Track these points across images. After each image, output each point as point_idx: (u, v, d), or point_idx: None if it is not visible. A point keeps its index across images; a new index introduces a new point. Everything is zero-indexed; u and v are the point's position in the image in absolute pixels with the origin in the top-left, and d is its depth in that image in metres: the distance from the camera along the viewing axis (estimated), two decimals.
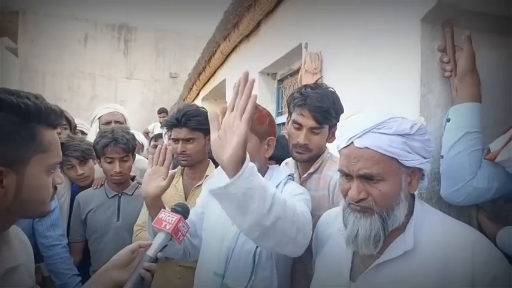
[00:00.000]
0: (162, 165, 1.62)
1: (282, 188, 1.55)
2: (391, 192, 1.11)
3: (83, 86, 10.74)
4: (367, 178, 1.11)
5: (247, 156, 1.11)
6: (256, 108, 1.58)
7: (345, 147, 1.16)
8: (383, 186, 1.10)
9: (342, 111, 1.61)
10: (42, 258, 2.31)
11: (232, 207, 1.14)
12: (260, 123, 1.54)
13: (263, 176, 1.59)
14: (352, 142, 1.14)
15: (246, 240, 1.47)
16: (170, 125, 2.16)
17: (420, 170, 1.16)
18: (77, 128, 3.62)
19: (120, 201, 2.50)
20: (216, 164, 2.29)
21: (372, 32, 2.05)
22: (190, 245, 1.69)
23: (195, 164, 2.19)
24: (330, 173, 1.67)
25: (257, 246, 1.47)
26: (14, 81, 10.15)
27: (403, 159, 1.10)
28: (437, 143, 1.63)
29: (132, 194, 2.52)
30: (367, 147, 1.10)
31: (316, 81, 1.85)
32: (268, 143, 1.60)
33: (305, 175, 1.75)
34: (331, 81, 1.89)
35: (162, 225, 1.20)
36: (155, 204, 1.58)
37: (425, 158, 1.14)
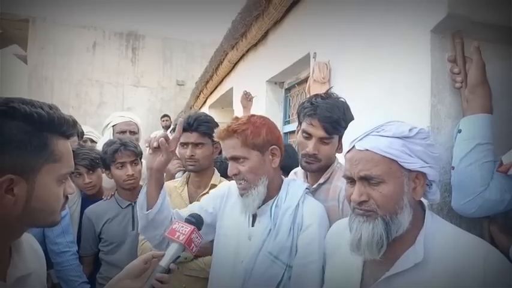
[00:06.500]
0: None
1: (302, 208, 1.55)
2: (393, 194, 1.12)
3: (91, 93, 10.86)
4: (367, 180, 1.13)
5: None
6: (249, 121, 1.54)
7: (348, 151, 1.20)
8: (383, 189, 1.11)
9: None
10: (52, 265, 2.31)
11: None
12: (256, 136, 1.53)
13: (278, 191, 1.60)
14: (354, 146, 1.17)
15: (270, 266, 1.46)
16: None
17: (424, 175, 1.17)
18: (86, 136, 3.63)
19: (134, 211, 2.49)
20: (222, 174, 2.31)
21: (381, 42, 2.05)
22: None
23: (201, 170, 2.20)
24: (340, 184, 1.66)
25: (283, 274, 1.45)
26: (23, 88, 10.28)
27: (403, 161, 1.12)
28: (448, 154, 1.62)
29: None
30: (367, 149, 1.14)
31: (327, 91, 1.84)
32: (271, 153, 1.58)
33: (315, 186, 1.74)
34: (340, 91, 1.88)
35: (176, 236, 1.20)
36: (158, 177, 1.55)
37: (427, 163, 1.15)
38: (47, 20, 10.44)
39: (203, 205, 1.74)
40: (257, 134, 1.53)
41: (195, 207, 1.73)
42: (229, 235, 1.62)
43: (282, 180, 1.66)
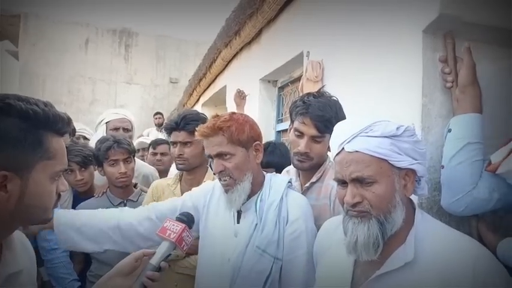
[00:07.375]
0: None
1: (286, 202, 1.56)
2: (385, 193, 1.13)
3: (83, 90, 10.77)
4: (360, 181, 1.13)
5: None
6: (232, 118, 1.57)
7: (337, 154, 1.20)
8: (376, 189, 1.12)
9: None
10: (42, 263, 2.30)
11: None
12: (241, 133, 1.55)
13: (261, 186, 1.61)
14: (343, 148, 1.18)
15: (258, 260, 1.47)
16: (169, 129, 2.21)
17: (413, 172, 1.18)
18: (78, 133, 3.61)
19: None
20: None
21: (373, 42, 2.07)
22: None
23: (192, 169, 2.21)
24: (332, 182, 1.66)
25: (272, 267, 1.47)
26: (14, 84, 10.16)
27: (393, 160, 1.13)
28: (438, 153, 1.64)
29: (137, 201, 2.51)
30: (357, 151, 1.14)
31: (319, 89, 1.85)
32: (255, 149, 1.61)
33: (307, 184, 1.75)
34: (332, 90, 1.89)
35: (167, 234, 1.20)
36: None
37: (416, 160, 1.17)
38: (39, 16, 10.33)
39: (186, 201, 1.74)
40: (241, 131, 1.55)
41: (178, 202, 1.75)
42: (215, 234, 1.63)
43: (264, 176, 1.67)
